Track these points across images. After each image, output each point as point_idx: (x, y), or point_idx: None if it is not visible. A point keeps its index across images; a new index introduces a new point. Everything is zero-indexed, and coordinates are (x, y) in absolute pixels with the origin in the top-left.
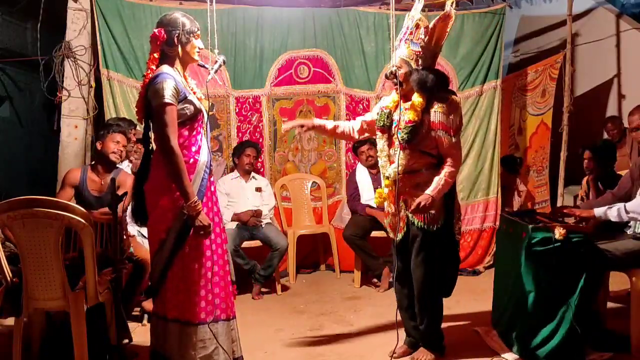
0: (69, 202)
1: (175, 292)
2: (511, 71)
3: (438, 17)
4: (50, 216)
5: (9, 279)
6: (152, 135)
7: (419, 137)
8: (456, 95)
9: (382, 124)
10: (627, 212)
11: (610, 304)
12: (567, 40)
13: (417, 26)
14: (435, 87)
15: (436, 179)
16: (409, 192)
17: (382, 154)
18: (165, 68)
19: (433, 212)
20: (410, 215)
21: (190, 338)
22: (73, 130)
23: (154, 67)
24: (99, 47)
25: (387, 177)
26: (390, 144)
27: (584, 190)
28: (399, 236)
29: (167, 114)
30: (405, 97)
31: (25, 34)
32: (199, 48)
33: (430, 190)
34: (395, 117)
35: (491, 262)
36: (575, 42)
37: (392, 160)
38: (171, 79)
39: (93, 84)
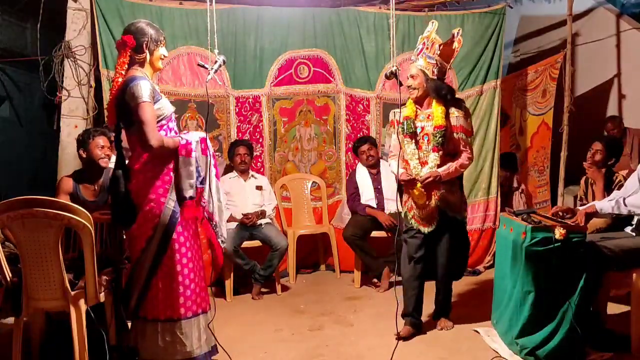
0: (69, 202)
1: (167, 292)
2: (511, 71)
3: (446, 41)
4: (50, 216)
5: (8, 279)
6: (124, 138)
7: (447, 140)
8: (464, 103)
9: (411, 130)
10: (625, 205)
11: (610, 304)
12: (567, 40)
13: (433, 43)
14: (448, 94)
15: (449, 164)
16: (437, 187)
17: (413, 157)
18: (136, 72)
19: (452, 200)
20: (440, 207)
21: (174, 333)
22: (73, 130)
23: (123, 72)
24: (99, 47)
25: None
26: (419, 148)
27: (582, 190)
28: (433, 226)
29: (147, 111)
30: (419, 103)
31: (25, 34)
32: (164, 55)
33: (440, 170)
34: (418, 123)
35: (491, 262)
36: (575, 42)
37: (424, 162)
38: (146, 80)
39: (93, 84)
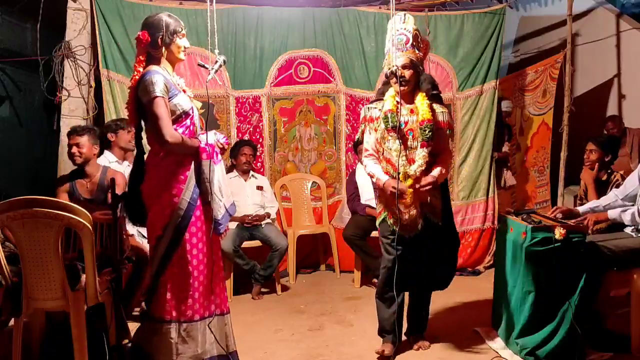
0: (69, 202)
1: (176, 293)
2: (511, 71)
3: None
4: (50, 216)
5: (8, 279)
6: (144, 136)
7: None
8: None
9: (393, 124)
10: None
11: (610, 304)
12: (567, 40)
13: (416, 36)
14: (436, 90)
15: (438, 168)
16: (417, 189)
17: (399, 154)
18: (152, 67)
19: (436, 204)
20: (424, 211)
21: (182, 335)
22: None
23: (141, 69)
24: (99, 47)
25: (409, 176)
26: (403, 144)
27: (582, 189)
28: (416, 231)
29: (159, 106)
30: (404, 96)
31: (25, 34)
32: (185, 47)
33: (434, 173)
34: (402, 118)
35: (491, 262)
36: (575, 42)
37: (412, 159)
38: (159, 75)
39: (93, 84)
